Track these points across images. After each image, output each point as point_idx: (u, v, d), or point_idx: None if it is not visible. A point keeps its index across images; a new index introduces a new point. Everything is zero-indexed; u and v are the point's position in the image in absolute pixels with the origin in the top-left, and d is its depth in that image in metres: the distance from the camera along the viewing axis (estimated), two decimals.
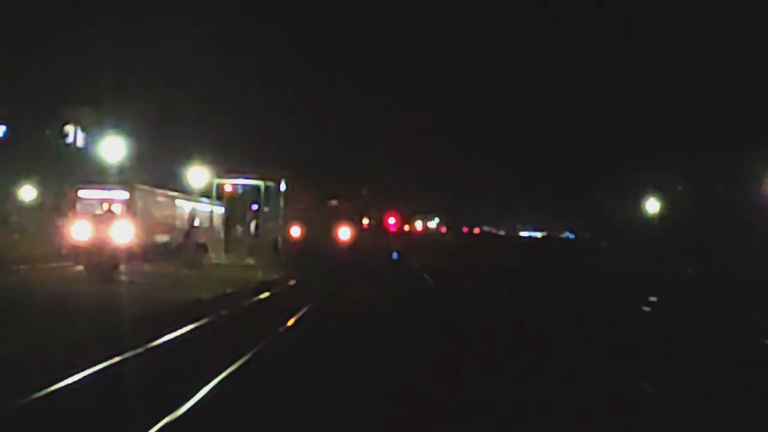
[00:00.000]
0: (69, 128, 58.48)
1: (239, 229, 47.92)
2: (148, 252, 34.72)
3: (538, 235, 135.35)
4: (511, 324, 21.81)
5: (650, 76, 79.23)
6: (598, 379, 13.64)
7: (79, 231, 29.79)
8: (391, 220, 63.69)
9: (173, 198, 41.85)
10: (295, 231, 48.30)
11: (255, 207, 48.09)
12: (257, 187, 46.41)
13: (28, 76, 50.66)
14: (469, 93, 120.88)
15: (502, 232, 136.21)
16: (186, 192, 44.30)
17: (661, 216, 60.01)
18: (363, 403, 10.87)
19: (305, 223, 48.97)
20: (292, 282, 31.17)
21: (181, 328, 16.18)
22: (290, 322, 18.89)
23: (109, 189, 33.90)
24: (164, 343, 14.61)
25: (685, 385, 12.97)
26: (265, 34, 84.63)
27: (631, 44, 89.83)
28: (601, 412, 10.87)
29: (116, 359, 12.40)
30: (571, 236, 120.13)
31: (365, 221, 55.13)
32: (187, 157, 46.17)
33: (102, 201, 32.55)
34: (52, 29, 53.80)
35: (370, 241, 53.65)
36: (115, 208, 31.61)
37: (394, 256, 57.25)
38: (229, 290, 25.14)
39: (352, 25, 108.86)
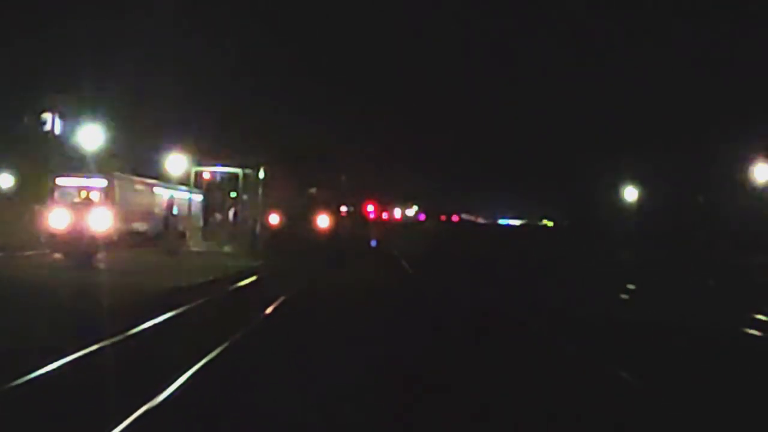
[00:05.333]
0: (47, 116, 58.07)
1: (218, 216, 47.90)
2: (127, 240, 34.74)
3: (517, 223, 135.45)
4: (488, 311, 21.95)
5: (632, 69, 79.60)
6: (575, 365, 13.73)
7: (57, 219, 29.81)
8: (370, 208, 63.96)
9: (152, 186, 41.83)
10: (274, 219, 48.42)
11: (234, 194, 48.09)
12: (236, 175, 46.49)
13: (4, 64, 50.39)
14: (450, 82, 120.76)
15: (480, 220, 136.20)
16: (164, 180, 44.25)
17: (640, 204, 60.39)
18: (340, 387, 11.03)
19: (284, 211, 49.09)
20: (271, 270, 31.18)
21: (159, 316, 16.27)
22: (269, 310, 18.98)
23: (88, 177, 33.84)
24: (142, 330, 14.68)
25: (663, 371, 13.09)
26: (243, 21, 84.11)
27: (613, 38, 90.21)
28: (577, 397, 10.95)
29: (95, 347, 12.49)
30: (550, 224, 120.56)
31: (344, 209, 55.30)
32: (165, 145, 46.13)
33: (80, 189, 32.53)
34: (30, 17, 53.56)
35: (348, 228, 53.88)
36: (93, 195, 31.67)
37: (373, 243, 57.49)
38: (207, 278, 25.19)
39: (331, 13, 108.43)
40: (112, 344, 13.05)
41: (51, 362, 11.06)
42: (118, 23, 56.05)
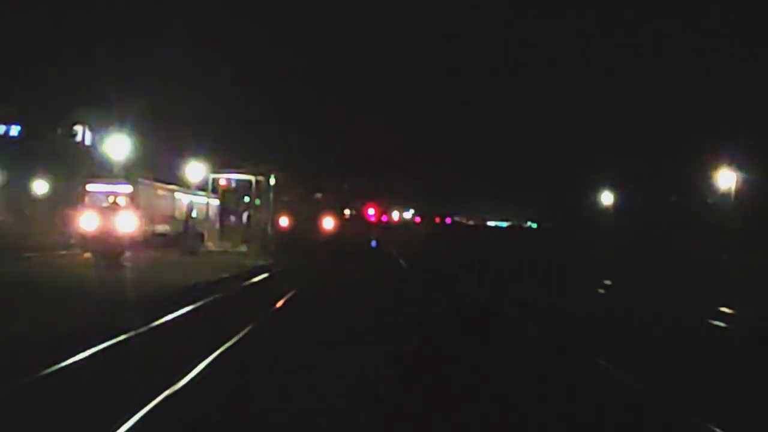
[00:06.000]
0: (78, 127, 58.47)
1: (233, 219, 47.93)
2: (150, 240, 34.86)
3: (505, 224, 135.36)
4: (475, 303, 22.16)
5: (609, 85, 79.87)
6: (555, 354, 13.80)
7: (87, 221, 29.87)
8: (370, 211, 63.90)
9: (173, 191, 42.01)
10: (284, 221, 48.58)
11: (247, 199, 48.16)
12: (249, 182, 46.52)
13: (40, 80, 50.62)
14: (443, 99, 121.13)
15: (471, 222, 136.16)
16: (184, 186, 44.43)
17: (616, 206, 60.74)
18: (342, 362, 11.47)
19: (292, 214, 49.28)
20: (281, 267, 31.27)
21: (180, 308, 16.38)
22: (279, 303, 19.08)
23: (114, 183, 33.90)
24: (165, 322, 14.81)
25: (637, 359, 13.15)
26: (259, 47, 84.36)
27: (593, 56, 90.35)
28: (558, 383, 11.03)
29: (133, 333, 12.90)
30: (534, 226, 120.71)
31: (347, 212, 55.49)
32: (185, 154, 46.44)
33: (108, 194, 32.58)
34: (63, 37, 53.77)
35: (351, 230, 54.02)
36: (119, 200, 31.70)
37: (373, 244, 57.41)
38: (223, 275, 25.23)
39: (335, 40, 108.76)
40: (147, 331, 13.48)
41: (84, 351, 11.18)
42: (143, 43, 56.30)
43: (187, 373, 10.14)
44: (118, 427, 7.74)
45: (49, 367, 9.97)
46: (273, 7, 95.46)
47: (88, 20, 59.93)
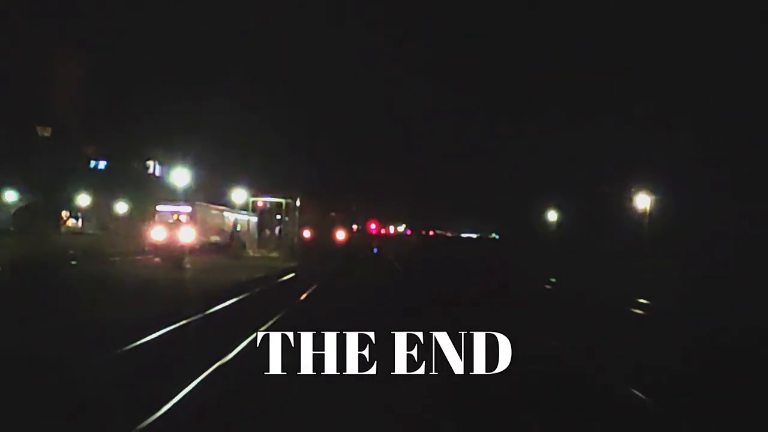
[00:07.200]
0: (150, 162, 59.05)
1: (267, 232, 48.18)
2: (205, 248, 35.08)
3: (474, 236, 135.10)
4: (450, 291, 22.68)
5: (552, 128, 79.92)
6: (512, 335, 13.91)
7: (157, 234, 30.15)
8: (372, 226, 64.23)
9: (222, 210, 42.29)
10: (306, 233, 48.85)
11: (278, 217, 48.45)
12: (280, 203, 46.83)
13: (121, 126, 51.02)
14: (428, 141, 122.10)
15: (449, 234, 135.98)
16: (231, 206, 44.73)
17: (559, 222, 60.99)
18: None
19: (313, 228, 49.51)
20: (305, 268, 31.44)
21: (230, 299, 16.61)
22: (305, 294, 19.30)
23: (178, 205, 34.24)
24: (220, 309, 15.01)
25: (578, 338, 13.29)
26: (289, 101, 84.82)
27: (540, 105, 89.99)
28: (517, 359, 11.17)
29: (202, 315, 13.57)
30: (497, 236, 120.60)
31: (354, 227, 55.70)
32: (231, 182, 46.93)
33: (173, 213, 32.93)
34: (135, 94, 54.06)
35: (357, 240, 54.30)
36: (182, 217, 32.05)
37: (375, 251, 57.62)
38: (261, 274, 25.38)
39: (343, 97, 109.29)
40: (212, 313, 14.13)
41: (159, 330, 11.35)
42: (201, 97, 56.59)
43: (244, 340, 10.53)
44: (193, 380, 8.11)
45: (132, 342, 10.16)
46: (296, 75, 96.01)
47: (158, 78, 60.37)
